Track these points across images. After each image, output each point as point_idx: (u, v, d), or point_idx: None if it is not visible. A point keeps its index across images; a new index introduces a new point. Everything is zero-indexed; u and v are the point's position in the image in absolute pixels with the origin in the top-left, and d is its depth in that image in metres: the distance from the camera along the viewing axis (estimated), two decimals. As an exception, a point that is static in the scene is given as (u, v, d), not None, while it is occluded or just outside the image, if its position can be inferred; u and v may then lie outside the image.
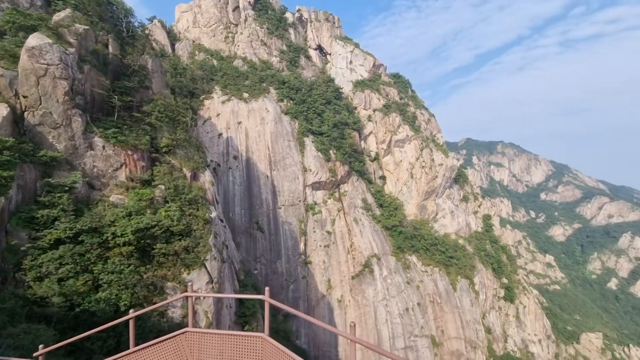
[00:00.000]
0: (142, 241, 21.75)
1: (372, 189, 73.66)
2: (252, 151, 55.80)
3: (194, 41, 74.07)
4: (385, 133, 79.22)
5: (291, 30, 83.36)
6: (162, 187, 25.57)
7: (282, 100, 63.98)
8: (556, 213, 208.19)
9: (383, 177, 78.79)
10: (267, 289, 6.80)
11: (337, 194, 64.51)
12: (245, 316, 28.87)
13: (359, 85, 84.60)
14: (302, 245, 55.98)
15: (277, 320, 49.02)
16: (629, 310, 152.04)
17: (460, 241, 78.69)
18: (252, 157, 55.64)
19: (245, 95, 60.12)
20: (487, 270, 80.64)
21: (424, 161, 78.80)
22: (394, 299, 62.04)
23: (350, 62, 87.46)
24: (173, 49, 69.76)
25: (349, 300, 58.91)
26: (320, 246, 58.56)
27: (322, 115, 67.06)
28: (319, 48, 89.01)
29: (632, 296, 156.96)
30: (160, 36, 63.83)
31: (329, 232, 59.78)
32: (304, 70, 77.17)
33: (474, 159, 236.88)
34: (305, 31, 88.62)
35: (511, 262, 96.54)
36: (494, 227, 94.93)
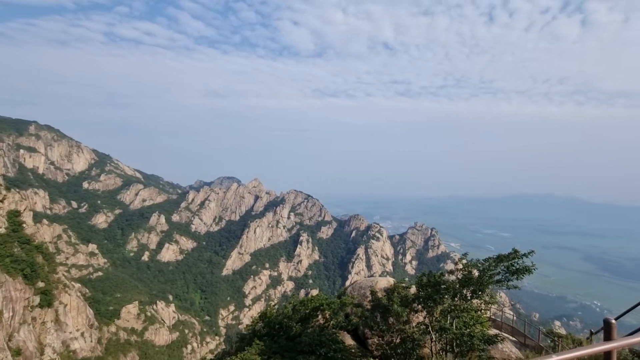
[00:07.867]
0: None
1: None
2: None
3: None
4: None
5: None
6: None
7: None
8: (99, 201, 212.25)
9: None
10: None
11: None
12: None
13: None
14: None
15: None
16: (157, 274, 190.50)
17: (-31, 251, 56.25)
18: None
19: None
20: (15, 280, 64.45)
21: None
22: None
23: None
24: None
25: None
26: None
27: None
28: None
29: (159, 262, 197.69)
30: None
31: None
32: None
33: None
34: None
35: (49, 262, 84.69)
36: (25, 225, 77.98)
